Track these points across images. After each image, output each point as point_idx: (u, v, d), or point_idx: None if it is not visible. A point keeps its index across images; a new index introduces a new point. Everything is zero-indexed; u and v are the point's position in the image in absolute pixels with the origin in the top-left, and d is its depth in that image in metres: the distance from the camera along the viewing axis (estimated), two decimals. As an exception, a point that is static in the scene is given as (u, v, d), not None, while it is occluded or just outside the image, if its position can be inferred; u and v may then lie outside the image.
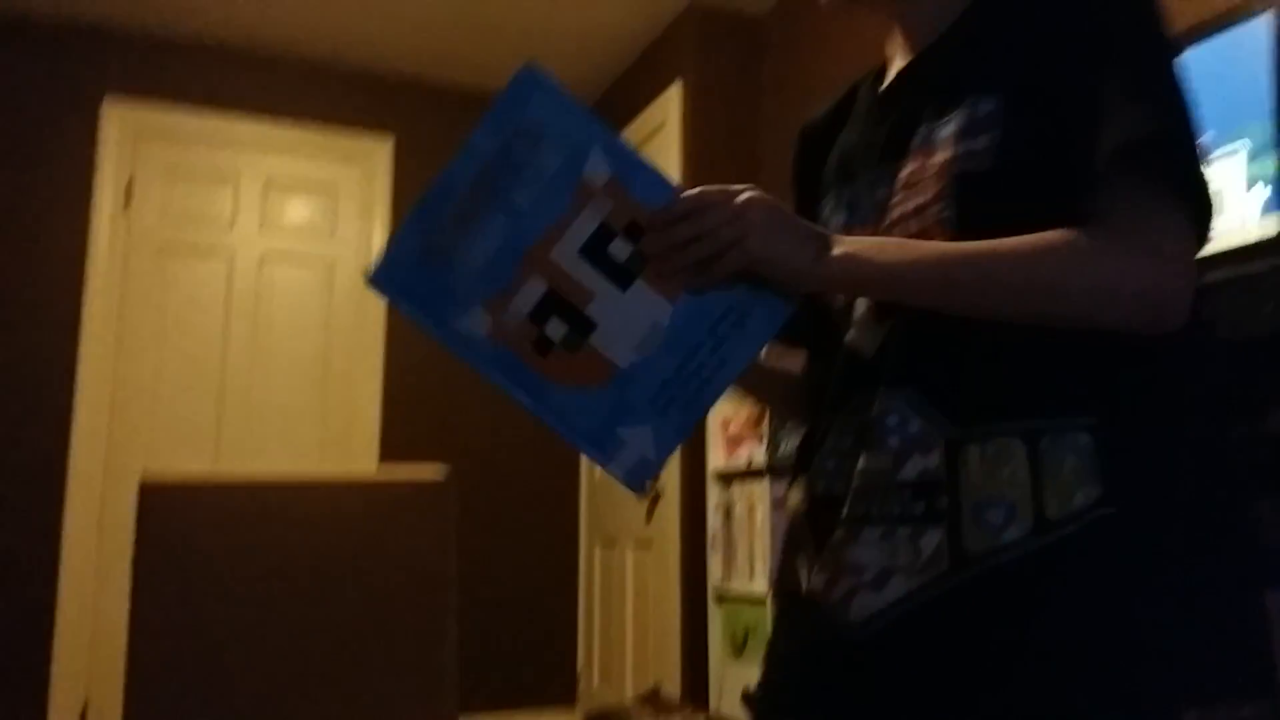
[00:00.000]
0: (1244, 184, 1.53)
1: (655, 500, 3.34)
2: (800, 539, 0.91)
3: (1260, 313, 1.43)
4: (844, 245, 0.80)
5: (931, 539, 0.78)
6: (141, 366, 3.56)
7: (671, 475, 3.22)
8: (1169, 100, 0.78)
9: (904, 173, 0.86)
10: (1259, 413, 1.48)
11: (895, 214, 0.86)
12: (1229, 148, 1.55)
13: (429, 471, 1.47)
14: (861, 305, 0.89)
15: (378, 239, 3.89)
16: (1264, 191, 1.49)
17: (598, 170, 0.79)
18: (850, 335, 0.89)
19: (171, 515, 1.32)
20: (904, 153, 0.87)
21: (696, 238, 0.78)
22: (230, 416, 3.65)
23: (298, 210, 3.87)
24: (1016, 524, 0.76)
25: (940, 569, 0.78)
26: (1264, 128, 1.50)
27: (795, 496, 0.94)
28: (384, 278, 0.80)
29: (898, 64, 0.96)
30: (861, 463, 0.83)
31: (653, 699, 2.83)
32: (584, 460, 4.01)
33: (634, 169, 0.79)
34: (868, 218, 0.89)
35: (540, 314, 0.79)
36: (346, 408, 3.75)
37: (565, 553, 4.01)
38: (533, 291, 0.79)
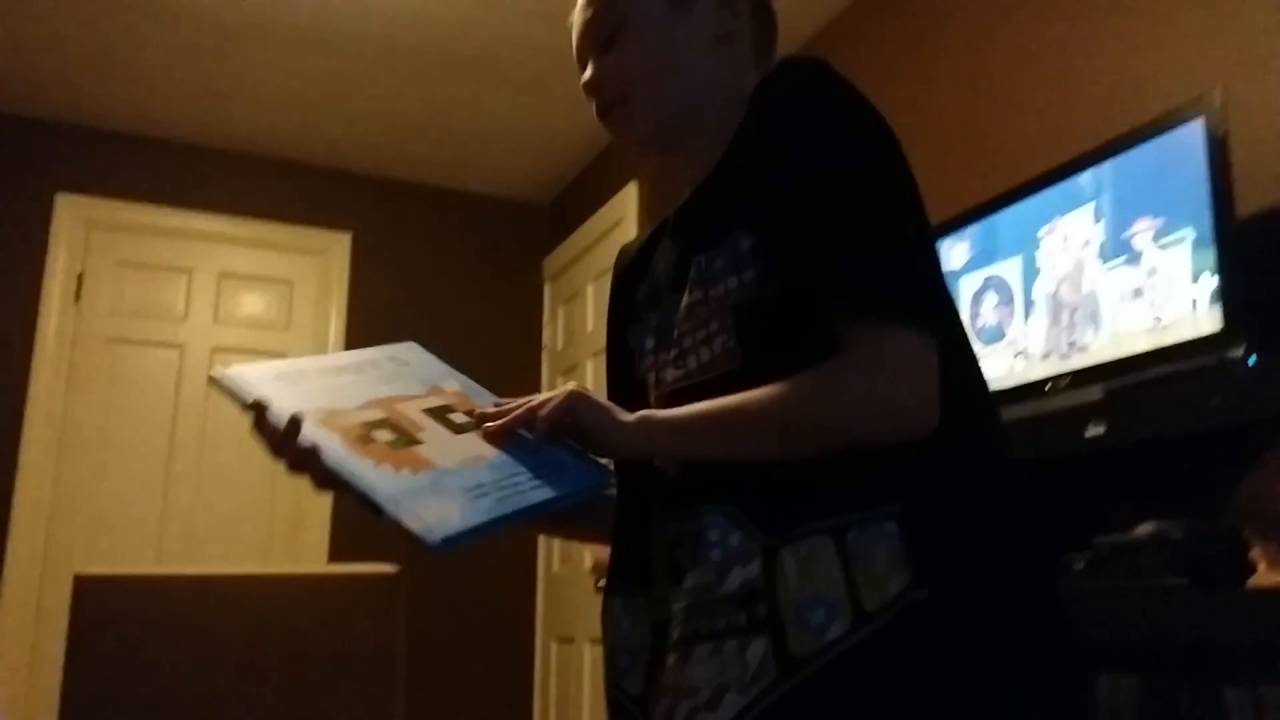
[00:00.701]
0: (1189, 276, 1.58)
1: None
2: (633, 651, 0.93)
3: (1207, 406, 1.46)
4: (642, 420, 0.87)
5: (757, 649, 0.78)
6: (85, 462, 3.48)
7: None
8: (879, 234, 0.84)
9: (684, 303, 0.92)
10: (1212, 504, 1.50)
11: (686, 342, 0.92)
12: (1173, 239, 1.61)
13: (378, 567, 1.43)
14: None
15: (333, 333, 3.87)
16: (1209, 283, 1.54)
17: (449, 384, 0.98)
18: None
19: (107, 609, 1.27)
20: (683, 285, 0.93)
21: (526, 404, 0.90)
22: (174, 514, 3.55)
23: (252, 304, 3.85)
24: (838, 621, 0.77)
25: (769, 678, 0.77)
26: (1205, 222, 1.56)
27: (621, 613, 0.97)
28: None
29: (687, 191, 1.04)
30: (688, 580, 0.85)
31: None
32: (541, 556, 3.95)
33: (479, 394, 0.97)
34: (669, 343, 0.95)
35: (372, 426, 0.88)
36: (295, 505, 3.67)
37: (521, 649, 3.90)
38: (371, 414, 0.90)
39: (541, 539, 3.95)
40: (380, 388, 0.93)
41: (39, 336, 3.46)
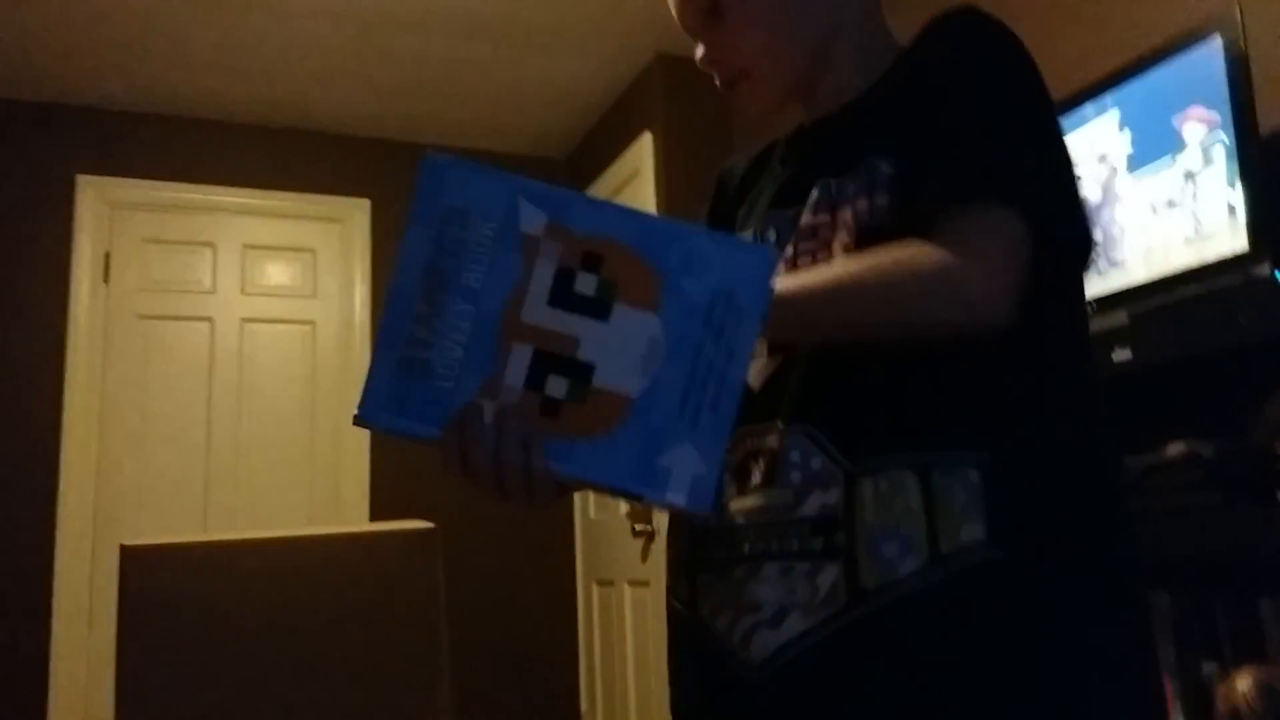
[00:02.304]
0: (1220, 199, 1.56)
1: (650, 539, 3.33)
2: (697, 559, 0.90)
3: (1235, 325, 1.45)
4: None
5: (829, 574, 0.78)
6: (126, 437, 3.55)
7: (662, 514, 3.21)
8: (1030, 142, 0.82)
9: (804, 223, 0.90)
10: (1240, 425, 1.50)
11: (803, 261, 0.89)
12: (1213, 140, 1.59)
13: (417, 524, 1.46)
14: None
15: (359, 298, 3.90)
16: (1235, 201, 1.52)
17: (533, 220, 0.76)
18: None
19: (154, 578, 1.30)
20: (801, 200, 0.91)
21: None
22: (217, 481, 3.62)
23: (278, 273, 3.88)
24: (912, 557, 0.76)
25: (837, 605, 0.77)
26: (1229, 143, 1.54)
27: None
28: (370, 411, 0.75)
29: (807, 123, 1.01)
30: (763, 498, 0.84)
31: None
32: (578, 502, 4.00)
33: (566, 204, 0.77)
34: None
35: (535, 379, 0.74)
36: (334, 468, 3.73)
37: (563, 594, 3.97)
38: (519, 360, 0.74)
39: (576, 492, 3.99)
40: (484, 300, 0.75)
41: (71, 317, 3.51)
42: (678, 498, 0.72)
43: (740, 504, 0.86)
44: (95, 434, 3.50)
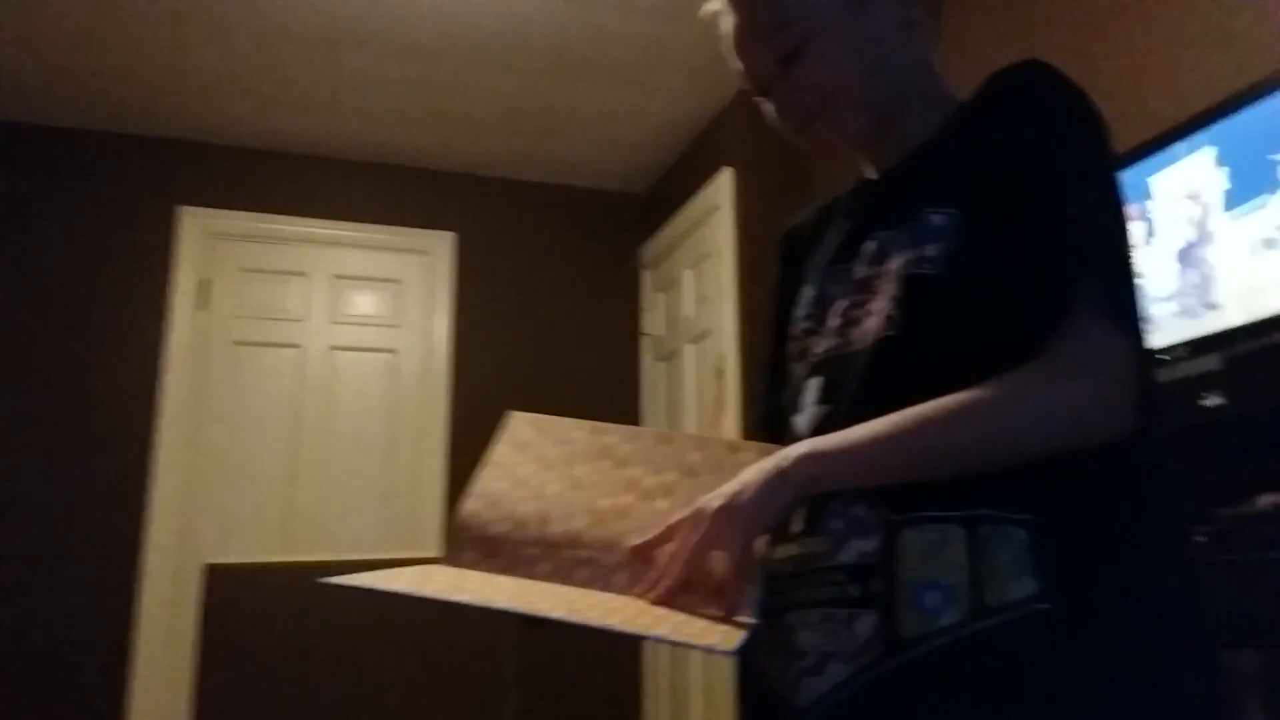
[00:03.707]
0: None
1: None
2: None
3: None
4: (805, 461, 0.81)
5: (867, 623, 0.78)
6: (215, 458, 3.67)
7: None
8: (1108, 231, 0.83)
9: (856, 276, 0.92)
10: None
11: (853, 314, 0.90)
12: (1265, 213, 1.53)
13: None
14: (812, 389, 0.91)
15: (440, 330, 3.98)
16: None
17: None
18: (796, 419, 0.92)
19: (234, 596, 1.34)
20: (856, 254, 0.93)
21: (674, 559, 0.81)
22: (299, 504, 3.72)
23: (365, 303, 3.99)
24: (954, 608, 0.75)
25: (875, 654, 0.77)
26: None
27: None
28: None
29: (869, 177, 1.03)
30: (803, 546, 0.84)
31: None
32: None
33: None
34: (828, 315, 0.94)
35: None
36: (411, 493, 3.79)
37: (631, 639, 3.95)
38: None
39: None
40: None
41: (169, 342, 3.66)
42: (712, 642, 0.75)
43: (784, 551, 0.87)
44: (187, 453, 3.62)
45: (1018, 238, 0.82)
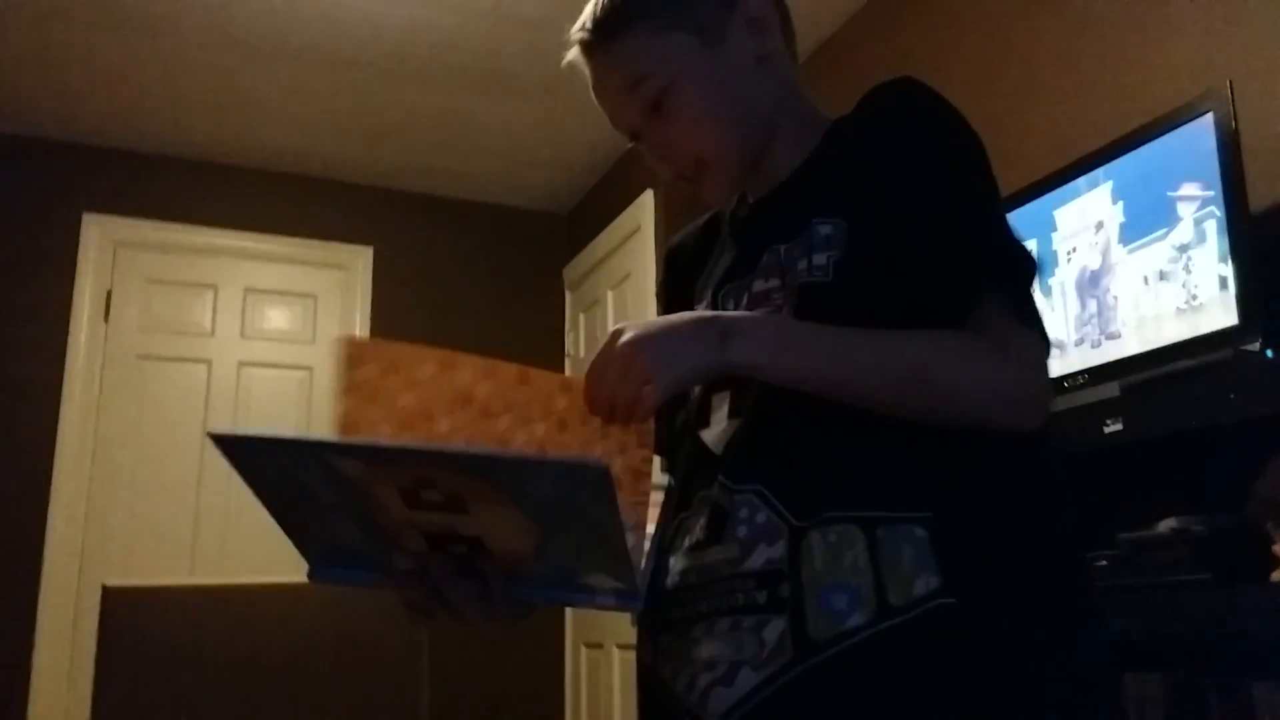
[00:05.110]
0: (1212, 272, 1.57)
1: (636, 604, 3.30)
2: (658, 620, 0.91)
3: (1225, 401, 1.46)
4: (743, 330, 0.82)
5: (775, 628, 0.78)
6: (117, 476, 3.53)
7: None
8: (1003, 235, 0.86)
9: (756, 289, 0.93)
10: (1231, 501, 1.49)
11: None
12: (1205, 213, 1.61)
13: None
14: (719, 403, 0.91)
15: (357, 346, 3.91)
16: (1227, 274, 1.54)
17: (351, 467, 0.71)
18: (706, 433, 0.92)
19: (135, 620, 1.29)
20: (754, 270, 0.94)
21: (609, 405, 0.80)
22: (206, 526, 3.60)
23: (278, 318, 3.90)
24: (860, 610, 0.76)
25: (785, 658, 0.77)
26: (1221, 217, 1.56)
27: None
28: (320, 572, 0.80)
29: (751, 197, 1.04)
30: (710, 556, 0.84)
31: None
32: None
33: (374, 453, 0.71)
34: None
35: (436, 547, 0.75)
36: (323, 516, 3.70)
37: (551, 656, 3.92)
38: (413, 539, 0.75)
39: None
40: (356, 509, 0.74)
41: (70, 354, 3.52)
42: (606, 602, 0.77)
43: (691, 562, 0.87)
44: (87, 471, 3.48)
45: (913, 241, 0.84)
